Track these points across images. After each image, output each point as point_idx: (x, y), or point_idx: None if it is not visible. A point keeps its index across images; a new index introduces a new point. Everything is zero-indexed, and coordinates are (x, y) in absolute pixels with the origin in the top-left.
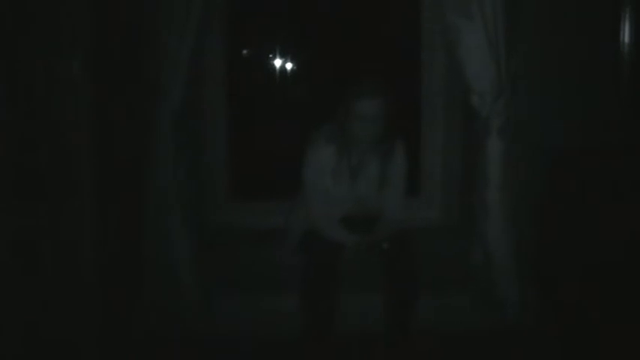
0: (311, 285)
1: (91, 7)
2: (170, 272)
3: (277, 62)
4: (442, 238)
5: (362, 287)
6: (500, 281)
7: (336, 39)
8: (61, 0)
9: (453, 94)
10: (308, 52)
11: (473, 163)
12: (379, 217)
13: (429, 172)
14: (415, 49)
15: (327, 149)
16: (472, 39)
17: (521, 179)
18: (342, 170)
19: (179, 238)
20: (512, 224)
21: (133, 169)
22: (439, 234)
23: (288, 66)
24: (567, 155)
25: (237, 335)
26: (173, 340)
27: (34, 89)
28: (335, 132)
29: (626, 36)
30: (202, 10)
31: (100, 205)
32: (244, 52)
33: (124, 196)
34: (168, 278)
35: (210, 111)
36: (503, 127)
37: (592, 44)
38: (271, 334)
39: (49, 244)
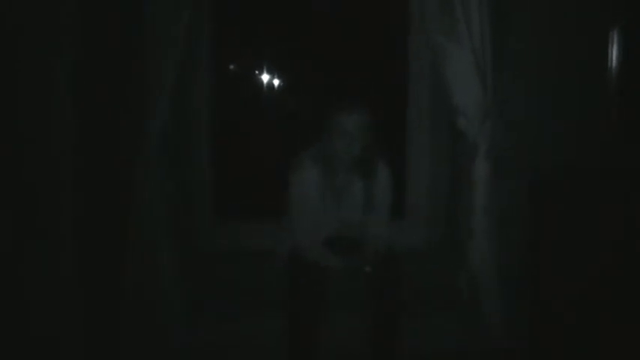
0: (296, 308)
1: (79, 10)
2: (153, 291)
3: (265, 77)
4: (427, 261)
5: (347, 309)
6: (485, 304)
7: (324, 58)
8: (49, 9)
9: (440, 116)
10: (294, 68)
11: (458, 185)
12: (363, 239)
13: (415, 194)
14: (402, 70)
15: (311, 170)
16: (459, 60)
17: (506, 203)
18: (327, 191)
19: (163, 260)
20: (497, 248)
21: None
22: (424, 257)
23: (276, 82)
24: (553, 179)
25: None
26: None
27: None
28: (319, 152)
29: (614, 59)
30: (189, 25)
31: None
32: (231, 66)
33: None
34: (150, 297)
35: (196, 128)
36: (490, 150)
37: (579, 67)
38: (256, 356)
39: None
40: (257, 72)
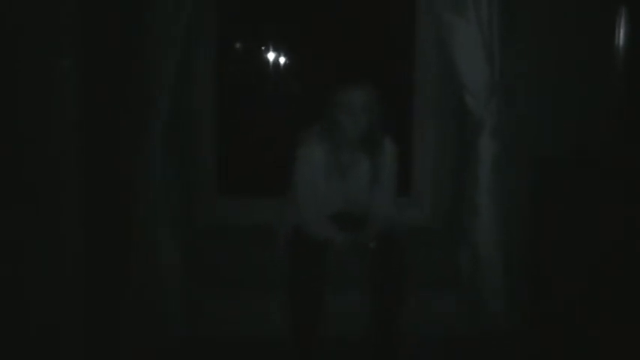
0: (297, 285)
1: (79, 10)
2: (158, 271)
3: (270, 56)
4: (431, 239)
5: (349, 288)
6: (489, 284)
7: (330, 35)
8: (49, 9)
9: (446, 93)
10: (301, 46)
11: (464, 163)
12: (369, 215)
13: (420, 171)
14: (409, 47)
15: (316, 147)
16: (467, 38)
17: (512, 181)
18: (332, 168)
19: (167, 237)
20: (502, 226)
21: (122, 166)
22: (428, 234)
23: (282, 60)
24: (559, 158)
25: (225, 334)
26: (159, 339)
27: (20, 91)
28: (325, 129)
29: (621, 40)
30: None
31: (87, 204)
32: (237, 45)
33: (111, 194)
34: (155, 277)
35: (201, 107)
36: (496, 127)
37: (588, 47)
38: (259, 333)
39: (34, 245)
40: (261, 48)
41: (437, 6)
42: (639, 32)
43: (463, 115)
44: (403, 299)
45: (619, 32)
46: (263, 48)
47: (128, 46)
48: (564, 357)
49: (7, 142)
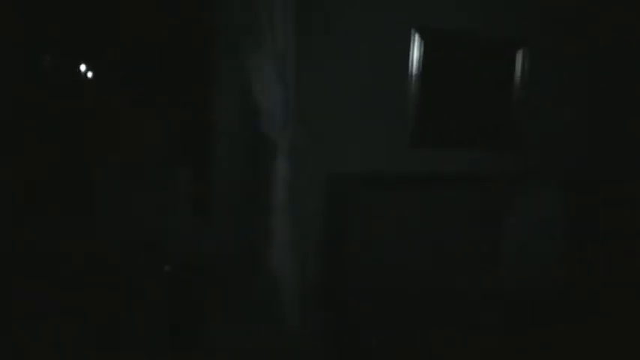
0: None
1: None
2: None
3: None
4: (228, 263)
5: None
6: (284, 307)
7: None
8: None
9: (243, 116)
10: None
11: (260, 186)
12: (164, 239)
13: (216, 195)
14: (206, 72)
15: (115, 171)
16: (262, 61)
17: (308, 202)
18: (130, 190)
19: None
20: (297, 250)
21: None
22: (225, 258)
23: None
24: (352, 178)
25: None
26: None
27: None
28: (124, 153)
29: (414, 64)
30: None
31: None
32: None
33: None
34: None
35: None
36: (290, 151)
37: (381, 71)
38: None
39: None
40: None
41: (233, 31)
42: (431, 55)
43: (259, 138)
44: (199, 322)
45: (412, 55)
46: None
47: None
48: None
49: None
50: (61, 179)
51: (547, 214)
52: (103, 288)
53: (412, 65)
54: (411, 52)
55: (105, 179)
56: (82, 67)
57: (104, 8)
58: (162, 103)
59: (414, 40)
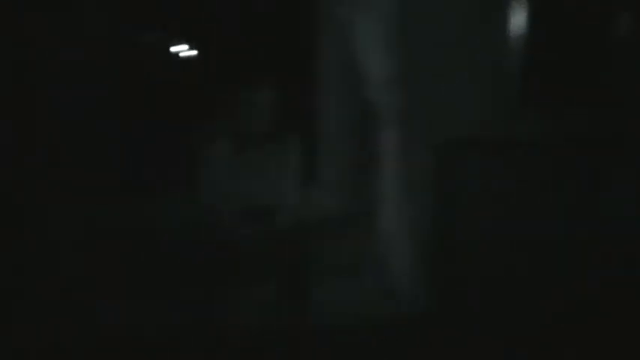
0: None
1: None
2: None
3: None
4: (338, 229)
5: (259, 279)
6: (395, 271)
7: (230, 30)
8: None
9: (349, 85)
10: (202, 41)
11: (368, 154)
12: (275, 207)
13: (325, 163)
14: (311, 42)
15: (223, 140)
16: (366, 30)
17: (416, 168)
18: (239, 160)
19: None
20: (407, 215)
21: None
22: (335, 225)
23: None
24: (461, 144)
25: None
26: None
27: None
28: (229, 125)
29: (517, 27)
30: None
31: None
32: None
33: None
34: None
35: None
36: (397, 117)
37: (485, 35)
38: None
39: None
40: (163, 43)
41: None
42: (532, 19)
43: (365, 105)
44: (310, 288)
45: (512, 20)
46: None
47: None
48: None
49: None
50: (173, 154)
51: None
52: (216, 258)
53: (516, 25)
54: (512, 14)
55: (216, 152)
56: (189, 42)
57: None
58: (270, 76)
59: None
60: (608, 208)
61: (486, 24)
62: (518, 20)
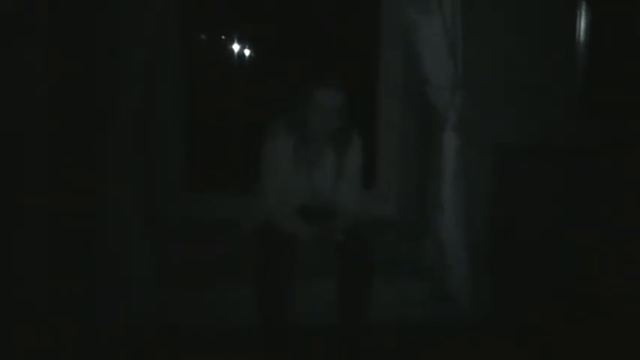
0: (264, 277)
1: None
2: (125, 264)
3: (235, 48)
4: (396, 232)
5: (316, 280)
6: (453, 275)
7: (295, 30)
8: None
9: (410, 88)
10: (268, 40)
11: (428, 157)
12: (335, 209)
13: (385, 165)
14: (374, 43)
15: (284, 140)
16: (430, 33)
17: (475, 173)
18: (299, 162)
19: (134, 231)
20: (466, 218)
21: (86, 165)
22: (393, 227)
23: (247, 53)
24: (522, 149)
25: (193, 326)
26: (127, 332)
27: None
28: (293, 123)
29: (581, 35)
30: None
31: (52, 198)
32: (202, 36)
33: (76, 188)
34: (122, 270)
35: (167, 101)
36: (459, 122)
37: (549, 39)
38: (229, 324)
39: None
40: (228, 43)
41: (400, 2)
42: (599, 25)
43: (427, 109)
44: (369, 291)
45: (579, 25)
46: (226, 40)
47: (93, 42)
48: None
49: None
50: (235, 152)
51: None
52: (277, 256)
53: (579, 34)
54: (578, 21)
55: (276, 152)
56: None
57: None
58: (332, 76)
59: (580, 8)
60: None
61: (550, 34)
62: (583, 29)
